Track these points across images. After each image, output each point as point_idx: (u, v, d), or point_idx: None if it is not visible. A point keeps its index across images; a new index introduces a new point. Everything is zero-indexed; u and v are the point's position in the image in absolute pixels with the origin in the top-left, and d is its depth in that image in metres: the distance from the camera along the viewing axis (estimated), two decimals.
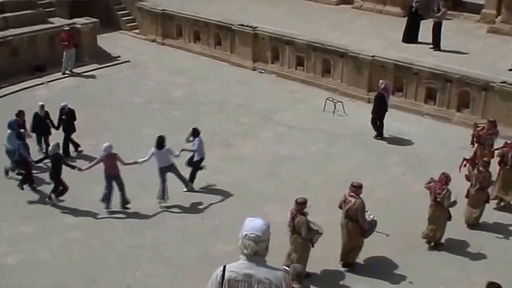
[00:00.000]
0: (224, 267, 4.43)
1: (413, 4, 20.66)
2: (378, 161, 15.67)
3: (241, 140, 16.81)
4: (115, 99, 19.62)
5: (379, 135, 16.83)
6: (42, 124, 15.64)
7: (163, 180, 13.63)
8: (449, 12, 21.58)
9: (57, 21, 22.84)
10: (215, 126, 16.95)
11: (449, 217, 11.91)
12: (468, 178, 13.05)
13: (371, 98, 19.17)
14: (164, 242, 12.56)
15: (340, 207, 11.53)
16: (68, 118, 15.79)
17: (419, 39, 20.56)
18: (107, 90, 20.33)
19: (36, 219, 13.28)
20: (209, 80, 21.03)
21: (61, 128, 15.80)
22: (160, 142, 13.45)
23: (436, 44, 19.96)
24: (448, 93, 17.98)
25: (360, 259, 11.93)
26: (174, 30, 24.55)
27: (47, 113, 15.75)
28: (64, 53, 21.18)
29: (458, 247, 12.33)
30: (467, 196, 12.80)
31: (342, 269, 11.76)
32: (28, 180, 14.30)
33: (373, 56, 19.13)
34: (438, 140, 16.70)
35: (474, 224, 12.88)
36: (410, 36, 20.65)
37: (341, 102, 18.37)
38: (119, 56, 23.30)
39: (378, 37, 21.10)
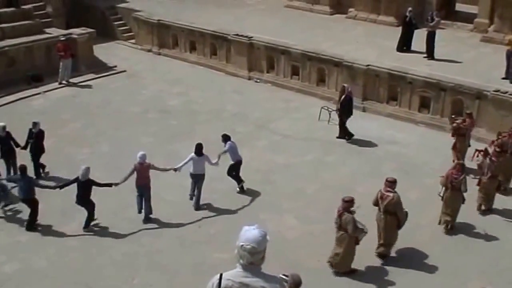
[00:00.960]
0: (221, 275, 4.45)
1: (407, 14, 20.85)
2: (373, 169, 15.77)
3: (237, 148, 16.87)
4: (111, 108, 19.71)
5: (349, 136, 17.15)
6: (4, 145, 14.89)
7: (198, 187, 13.92)
8: (442, 21, 21.79)
9: (54, 31, 22.94)
10: (211, 135, 16.98)
11: (463, 201, 12.80)
12: (480, 167, 13.81)
13: (366, 107, 19.36)
14: (161, 250, 12.62)
15: (375, 204, 11.97)
16: (37, 139, 15.08)
17: (413, 48, 20.74)
18: (103, 100, 20.42)
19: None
20: (205, 90, 21.15)
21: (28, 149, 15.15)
22: (199, 149, 13.71)
23: (430, 53, 20.14)
24: (442, 102, 18.14)
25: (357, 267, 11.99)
26: (170, 40, 24.69)
27: (8, 134, 15.03)
28: (61, 63, 21.28)
29: (451, 256, 12.42)
30: (479, 184, 13.73)
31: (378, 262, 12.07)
32: (35, 218, 13.38)
33: (367, 65, 19.30)
34: (433, 148, 16.83)
35: (487, 209, 13.74)
36: (405, 45, 20.83)
37: (336, 111, 18.47)
38: (115, 66, 23.41)
39: (372, 46, 21.27)
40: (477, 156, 14.38)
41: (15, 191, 13.75)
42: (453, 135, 15.54)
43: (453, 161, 14.64)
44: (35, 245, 12.78)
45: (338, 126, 17.40)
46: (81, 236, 13.06)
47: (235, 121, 18.67)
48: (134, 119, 18.86)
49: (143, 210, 13.54)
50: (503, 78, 18.15)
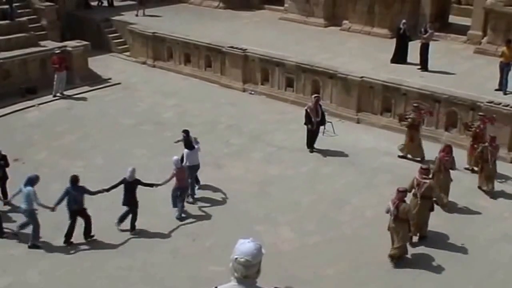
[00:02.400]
0: None
1: (401, 26, 20.96)
2: (368, 180, 15.77)
3: (232, 161, 16.89)
4: (106, 120, 19.67)
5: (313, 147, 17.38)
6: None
7: (193, 179, 14.47)
8: (436, 33, 21.91)
9: (49, 44, 22.95)
10: (205, 147, 16.96)
11: (451, 180, 14.22)
12: (480, 156, 15.02)
13: (360, 119, 19.40)
14: (156, 263, 12.53)
15: (410, 190, 12.67)
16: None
17: (408, 60, 20.82)
18: (98, 112, 20.38)
19: (26, 241, 13.18)
20: (199, 102, 21.14)
21: None
22: (190, 143, 14.54)
23: (423, 65, 20.22)
24: (436, 114, 18.18)
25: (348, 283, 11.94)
26: (164, 52, 24.72)
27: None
28: (56, 76, 21.26)
29: (446, 266, 12.39)
30: (481, 170, 15.09)
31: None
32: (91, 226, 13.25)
33: (362, 77, 19.36)
34: (428, 160, 16.83)
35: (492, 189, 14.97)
36: (399, 57, 20.92)
37: (330, 122, 18.51)
38: (110, 78, 23.40)
39: (367, 58, 21.35)
40: (476, 146, 15.35)
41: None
42: (474, 143, 15.81)
43: (472, 169, 16.02)
44: (28, 258, 12.66)
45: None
46: (75, 249, 12.94)
47: (230, 133, 18.67)
48: (129, 131, 18.82)
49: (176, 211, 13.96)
50: (497, 90, 18.23)
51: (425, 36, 20.28)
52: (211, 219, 14.07)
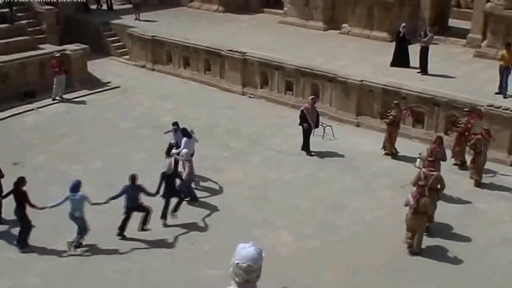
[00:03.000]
0: None
1: (401, 29, 20.94)
2: (367, 184, 15.72)
3: (230, 164, 16.84)
4: (104, 124, 19.64)
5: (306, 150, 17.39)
6: None
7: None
8: (435, 37, 21.88)
9: (48, 48, 22.93)
10: (204, 150, 16.97)
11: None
12: (473, 147, 15.48)
13: (360, 122, 19.35)
14: (154, 267, 12.48)
15: (415, 184, 13.09)
16: None
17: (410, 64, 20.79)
18: (96, 116, 20.35)
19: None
20: (198, 105, 21.11)
21: None
22: (187, 132, 15.27)
23: (423, 68, 20.18)
24: (436, 117, 18.15)
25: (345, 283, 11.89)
26: (164, 56, 24.71)
27: None
28: (55, 80, 21.24)
29: (444, 269, 12.32)
30: (473, 162, 15.58)
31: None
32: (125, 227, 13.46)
33: (361, 81, 19.32)
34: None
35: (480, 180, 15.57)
36: (399, 60, 20.89)
37: (330, 126, 18.48)
38: (109, 82, 23.38)
39: (366, 61, 21.32)
40: (469, 140, 15.70)
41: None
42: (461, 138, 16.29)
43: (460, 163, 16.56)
44: (26, 262, 12.61)
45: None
46: (73, 253, 12.89)
47: (229, 137, 18.63)
48: (127, 135, 18.78)
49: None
50: (497, 93, 18.17)
51: (424, 39, 20.24)
52: (210, 222, 14.01)
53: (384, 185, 15.69)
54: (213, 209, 14.54)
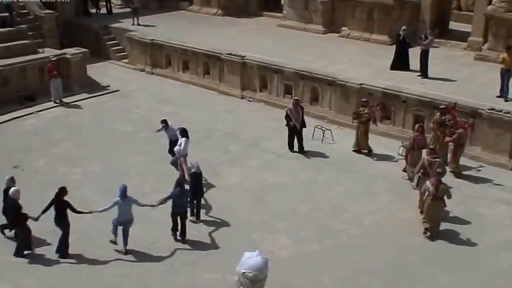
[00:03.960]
0: None
1: (401, 32, 20.87)
2: (367, 188, 15.64)
3: (229, 168, 16.77)
4: (103, 128, 19.59)
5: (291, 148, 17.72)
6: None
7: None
8: (436, 40, 21.82)
9: (47, 52, 22.93)
10: (203, 154, 16.91)
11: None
12: (458, 141, 15.84)
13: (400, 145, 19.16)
14: (152, 271, 12.43)
15: (418, 171, 14.15)
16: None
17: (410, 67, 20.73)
18: (96, 119, 20.32)
19: None
20: (197, 109, 21.07)
21: None
22: (186, 132, 15.57)
23: (423, 71, 20.11)
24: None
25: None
26: (163, 59, 24.68)
27: None
28: (51, 84, 21.24)
29: (445, 274, 12.23)
30: (454, 156, 16.04)
31: None
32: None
33: (361, 84, 19.25)
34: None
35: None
36: (399, 64, 20.82)
37: (329, 130, 18.42)
38: (108, 86, 23.35)
39: (366, 65, 21.25)
40: (450, 136, 16.00)
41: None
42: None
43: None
44: (26, 265, 12.57)
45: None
46: (72, 256, 12.82)
47: (228, 140, 18.57)
48: (126, 138, 18.74)
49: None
50: (498, 96, 18.09)
51: (425, 42, 20.17)
52: (208, 226, 13.93)
53: (383, 189, 15.61)
54: (211, 212, 14.47)
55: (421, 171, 14.12)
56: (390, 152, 17.42)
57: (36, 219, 12.69)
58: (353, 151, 17.55)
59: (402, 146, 16.69)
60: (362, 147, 17.54)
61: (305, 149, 17.60)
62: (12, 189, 12.68)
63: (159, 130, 16.60)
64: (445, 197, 13.48)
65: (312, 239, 13.37)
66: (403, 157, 16.12)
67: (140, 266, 12.58)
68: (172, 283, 12.05)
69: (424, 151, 15.08)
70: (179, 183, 13.32)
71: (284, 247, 13.10)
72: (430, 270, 12.34)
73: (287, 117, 17.48)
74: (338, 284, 12.02)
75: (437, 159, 14.11)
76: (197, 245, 13.25)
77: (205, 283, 11.84)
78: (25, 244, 12.89)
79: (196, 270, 12.36)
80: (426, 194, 13.32)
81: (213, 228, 13.85)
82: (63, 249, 12.84)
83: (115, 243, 13.11)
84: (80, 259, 12.79)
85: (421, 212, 13.88)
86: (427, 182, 13.30)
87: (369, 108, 17.32)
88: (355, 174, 16.39)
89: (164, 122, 16.35)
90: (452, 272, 12.29)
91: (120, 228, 12.93)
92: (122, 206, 12.70)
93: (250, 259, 4.31)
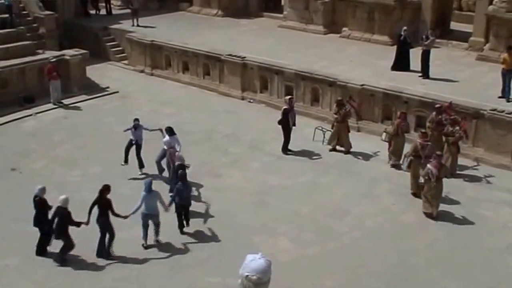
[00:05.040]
0: None
1: (402, 33, 20.77)
2: (368, 190, 15.53)
3: (230, 170, 16.66)
4: (103, 129, 19.48)
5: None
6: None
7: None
8: (437, 40, 21.70)
9: (47, 53, 22.84)
10: (203, 156, 16.81)
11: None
12: (459, 139, 16.02)
13: (360, 127, 19.16)
14: (151, 274, 12.33)
15: (412, 154, 14.98)
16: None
17: (410, 67, 20.62)
18: (95, 121, 20.21)
19: (22, 251, 12.95)
20: (197, 110, 20.97)
21: None
22: (172, 130, 15.65)
23: (425, 72, 20.01)
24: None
25: None
26: (163, 60, 24.59)
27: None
28: (50, 85, 21.14)
29: (449, 277, 12.11)
30: (456, 153, 16.14)
31: None
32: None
33: (362, 85, 19.15)
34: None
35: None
36: (400, 64, 20.72)
37: (330, 131, 18.29)
38: (108, 87, 23.26)
39: (367, 65, 21.16)
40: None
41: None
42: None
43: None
44: (23, 269, 12.47)
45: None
46: (71, 260, 12.70)
47: (228, 142, 18.46)
48: (126, 140, 18.56)
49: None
50: (500, 97, 18.00)
51: (426, 43, 20.07)
52: (209, 229, 13.82)
53: (385, 191, 15.51)
54: (212, 215, 14.37)
55: (413, 154, 14.92)
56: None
57: (87, 223, 12.62)
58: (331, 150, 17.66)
59: (385, 132, 17.20)
60: (344, 146, 17.59)
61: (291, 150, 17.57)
62: (61, 197, 12.53)
63: (127, 130, 16.47)
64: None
65: (314, 242, 13.26)
66: (387, 142, 16.84)
67: (139, 270, 12.48)
68: (172, 286, 11.94)
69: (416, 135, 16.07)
70: (182, 176, 13.49)
71: (286, 250, 12.99)
72: (434, 274, 12.22)
73: (285, 116, 17.22)
74: (340, 287, 11.89)
75: (429, 142, 14.90)
76: (197, 248, 13.15)
77: (205, 287, 11.73)
78: (67, 252, 12.70)
79: (196, 274, 12.25)
80: (428, 177, 13.82)
81: (214, 230, 13.74)
82: (106, 250, 12.81)
83: (146, 247, 13.14)
84: (79, 263, 12.68)
85: (412, 193, 15.00)
86: (429, 166, 13.82)
87: (348, 105, 17.52)
88: (356, 176, 16.27)
89: (136, 120, 16.34)
90: (456, 276, 12.18)
91: (150, 223, 13.12)
92: (148, 200, 12.85)
93: (253, 262, 4.26)
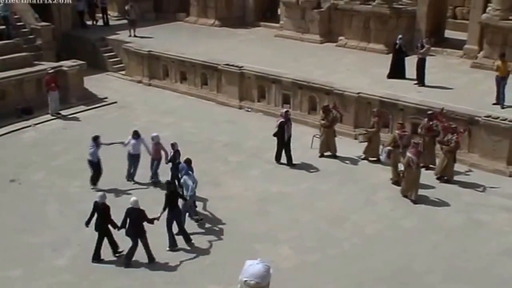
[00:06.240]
0: None
1: (397, 41, 21.01)
2: (367, 197, 15.67)
3: (230, 179, 16.77)
4: (102, 140, 19.46)
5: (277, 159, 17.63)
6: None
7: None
8: (432, 48, 21.96)
9: (44, 64, 22.90)
10: (203, 165, 16.87)
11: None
12: (454, 148, 16.16)
13: (357, 135, 19.30)
14: (155, 282, 12.38)
15: (389, 144, 16.08)
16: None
17: (406, 75, 20.83)
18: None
19: (24, 262, 13.00)
20: (196, 120, 21.08)
21: None
22: (136, 132, 16.51)
23: (420, 80, 20.23)
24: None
25: None
26: (160, 70, 24.71)
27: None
28: (49, 96, 21.22)
29: (448, 281, 12.24)
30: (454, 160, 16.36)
31: None
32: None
33: (358, 93, 19.33)
34: (425, 175, 16.76)
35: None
36: (396, 72, 20.94)
37: (316, 137, 18.44)
38: (106, 98, 23.34)
39: (363, 74, 21.36)
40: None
41: None
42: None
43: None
44: (26, 280, 12.49)
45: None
46: (72, 270, 12.76)
47: (228, 151, 18.57)
48: (125, 150, 18.63)
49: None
50: (494, 104, 18.21)
51: (421, 51, 20.30)
52: (210, 237, 13.90)
53: (384, 197, 15.65)
54: (213, 223, 14.46)
55: (392, 144, 15.99)
56: (389, 160, 17.42)
57: (158, 219, 13.11)
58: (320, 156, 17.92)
59: (360, 134, 17.95)
60: (331, 149, 17.93)
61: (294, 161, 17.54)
62: (132, 199, 12.93)
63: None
64: None
65: (315, 249, 13.36)
66: (365, 142, 17.62)
67: (141, 279, 12.51)
68: None
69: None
70: (188, 161, 14.26)
71: (287, 257, 13.08)
72: (434, 278, 12.35)
73: (281, 128, 17.26)
74: None
75: (406, 132, 16.13)
76: (199, 256, 13.21)
77: None
78: (133, 253, 12.97)
79: (198, 282, 12.31)
80: (409, 165, 14.89)
81: (215, 239, 13.83)
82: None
83: (201, 219, 14.41)
84: (80, 272, 12.70)
85: (394, 182, 15.98)
86: (409, 154, 14.90)
87: (334, 110, 17.87)
88: (356, 183, 16.41)
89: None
90: (455, 281, 12.29)
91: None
92: (193, 178, 14.09)
93: (252, 267, 4.32)
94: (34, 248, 13.46)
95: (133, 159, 16.58)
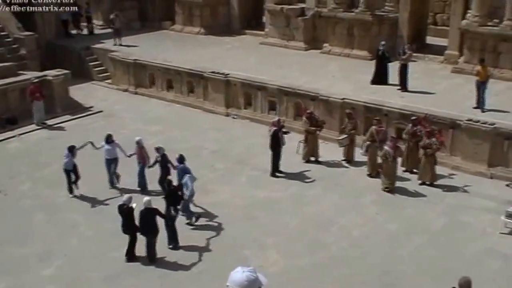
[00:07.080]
0: None
1: (380, 48, 21.31)
2: (354, 201, 15.85)
3: (218, 185, 16.86)
4: (88, 149, 19.46)
5: (274, 171, 17.45)
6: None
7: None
8: (414, 54, 22.29)
9: (29, 74, 22.86)
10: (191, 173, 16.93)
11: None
12: (436, 151, 16.48)
13: (341, 141, 19.48)
14: None
15: (368, 139, 16.92)
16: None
17: (388, 81, 21.14)
18: (80, 141, 20.02)
19: (10, 273, 12.97)
20: (183, 127, 21.16)
21: None
22: (110, 136, 16.68)
23: (403, 85, 20.53)
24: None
25: None
26: (146, 79, 24.78)
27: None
28: (33, 106, 21.17)
29: (434, 284, 12.44)
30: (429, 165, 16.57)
31: None
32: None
33: (343, 99, 19.57)
34: (409, 179, 17.01)
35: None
36: (379, 78, 21.22)
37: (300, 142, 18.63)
38: (92, 107, 23.34)
39: (348, 80, 21.61)
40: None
41: None
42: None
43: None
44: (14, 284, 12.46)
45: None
46: (59, 280, 12.71)
47: (215, 158, 18.68)
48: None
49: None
50: (475, 108, 18.54)
51: (403, 57, 20.62)
52: (199, 244, 13.97)
53: (369, 201, 15.85)
54: (202, 230, 14.53)
55: (370, 139, 16.74)
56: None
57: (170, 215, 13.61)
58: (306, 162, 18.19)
59: (340, 140, 18.13)
60: (314, 155, 18.29)
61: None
62: (145, 199, 13.23)
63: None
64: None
65: (303, 253, 13.49)
66: (344, 146, 18.06)
67: (130, 285, 12.51)
68: None
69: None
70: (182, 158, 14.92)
71: (276, 262, 13.18)
72: (421, 279, 12.53)
73: (275, 137, 17.17)
74: None
75: (383, 128, 16.98)
76: (188, 263, 13.27)
77: None
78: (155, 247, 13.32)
79: None
80: (386, 157, 15.69)
81: (204, 245, 13.90)
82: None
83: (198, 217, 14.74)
84: (67, 282, 12.67)
85: (371, 175, 16.91)
86: (386, 147, 15.73)
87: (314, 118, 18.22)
88: (343, 188, 16.60)
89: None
90: (439, 280, 12.45)
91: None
92: (193, 180, 14.50)
93: (235, 274, 4.27)
94: (21, 258, 13.39)
95: (110, 163, 16.70)
